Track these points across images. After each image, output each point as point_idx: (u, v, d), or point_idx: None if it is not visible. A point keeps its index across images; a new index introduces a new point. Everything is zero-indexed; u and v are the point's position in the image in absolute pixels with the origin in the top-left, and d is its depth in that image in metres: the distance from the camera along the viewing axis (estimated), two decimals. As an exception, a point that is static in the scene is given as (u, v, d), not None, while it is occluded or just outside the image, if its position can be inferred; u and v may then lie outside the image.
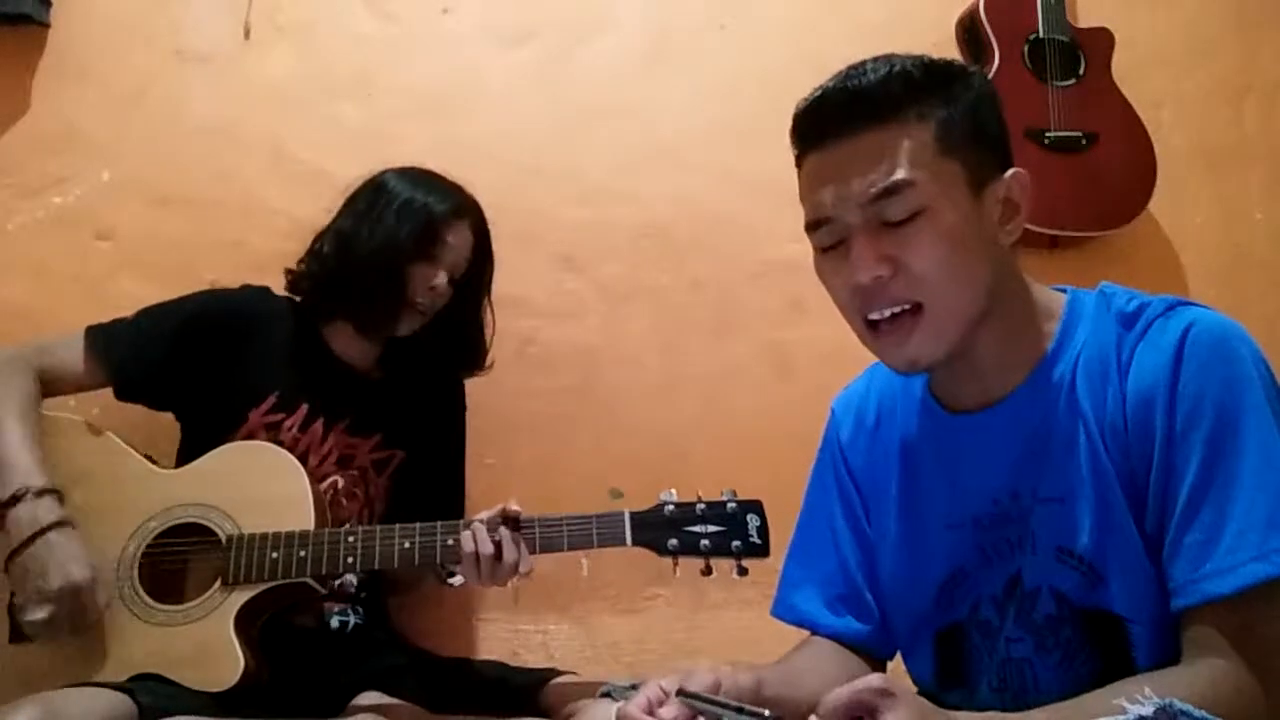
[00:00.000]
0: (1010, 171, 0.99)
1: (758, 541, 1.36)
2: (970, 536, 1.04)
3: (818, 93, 0.98)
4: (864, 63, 0.96)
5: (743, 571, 1.35)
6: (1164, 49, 2.18)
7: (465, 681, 1.55)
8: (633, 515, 1.38)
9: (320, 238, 1.63)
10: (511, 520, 1.37)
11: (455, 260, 1.61)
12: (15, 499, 1.34)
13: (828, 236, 0.98)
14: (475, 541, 1.34)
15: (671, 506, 1.38)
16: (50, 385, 1.52)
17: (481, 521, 1.36)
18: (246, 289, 1.67)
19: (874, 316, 0.97)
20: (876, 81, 0.94)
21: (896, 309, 0.96)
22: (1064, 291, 1.05)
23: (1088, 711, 0.82)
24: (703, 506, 1.38)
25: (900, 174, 0.93)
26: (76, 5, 1.93)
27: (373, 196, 1.60)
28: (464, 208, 1.62)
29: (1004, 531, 1.02)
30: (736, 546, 1.36)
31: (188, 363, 1.55)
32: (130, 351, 1.54)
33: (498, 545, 1.34)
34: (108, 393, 1.68)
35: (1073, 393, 0.98)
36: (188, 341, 1.55)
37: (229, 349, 1.57)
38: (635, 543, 1.37)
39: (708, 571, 1.36)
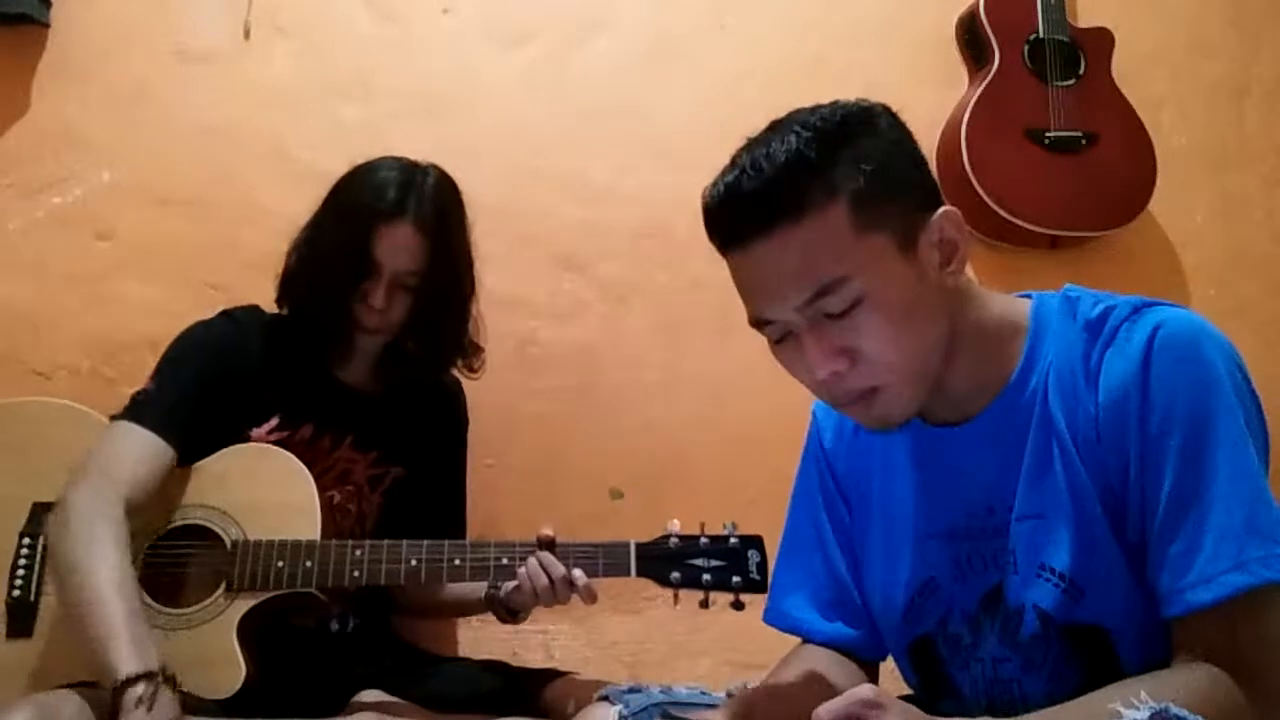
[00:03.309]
0: (939, 211, 0.95)
1: (757, 578, 1.40)
2: (945, 547, 1.04)
3: (720, 189, 0.93)
4: (759, 145, 0.92)
5: (739, 606, 1.40)
6: (1164, 49, 2.18)
7: (465, 681, 1.55)
8: (638, 546, 1.42)
9: (290, 250, 1.59)
10: (547, 543, 1.41)
11: (397, 267, 1.49)
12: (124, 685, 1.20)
13: (775, 332, 0.97)
14: (544, 572, 1.38)
15: (675, 539, 1.42)
16: (142, 497, 1.40)
17: (528, 551, 1.41)
18: (237, 312, 1.60)
19: (844, 403, 0.98)
20: (774, 174, 0.90)
21: (859, 395, 0.96)
22: (1028, 297, 1.04)
23: (1084, 715, 0.82)
24: (706, 540, 1.42)
25: (828, 272, 0.90)
26: (76, 5, 1.93)
27: (322, 207, 1.56)
28: (400, 208, 1.48)
29: (978, 545, 1.02)
30: (736, 582, 1.40)
31: (204, 404, 1.49)
32: (185, 421, 1.46)
33: (548, 570, 1.38)
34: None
35: (1045, 407, 0.97)
36: (204, 388, 1.49)
37: (223, 376, 1.51)
38: (639, 574, 1.41)
39: (705, 605, 1.41)
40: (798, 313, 0.93)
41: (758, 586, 1.39)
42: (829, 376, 0.94)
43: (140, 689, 1.17)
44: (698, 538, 1.42)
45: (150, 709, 1.16)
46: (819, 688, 1.06)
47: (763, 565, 1.40)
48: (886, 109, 0.98)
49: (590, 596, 1.40)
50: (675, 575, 1.40)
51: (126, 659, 1.19)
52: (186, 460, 1.48)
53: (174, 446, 1.44)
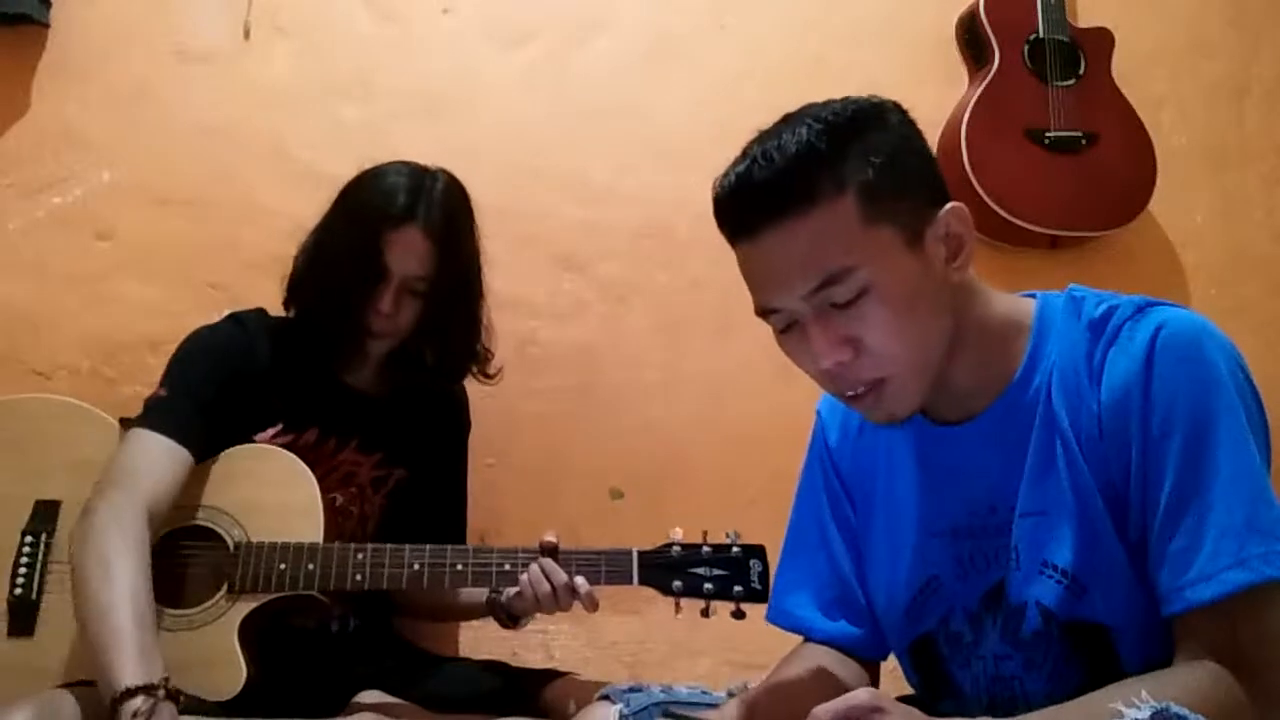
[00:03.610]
0: (946, 207, 0.96)
1: (758, 588, 1.40)
2: (948, 546, 1.05)
3: (731, 178, 0.95)
4: (770, 137, 0.93)
5: (739, 615, 1.40)
6: (1164, 49, 2.18)
7: (465, 681, 1.55)
8: (640, 555, 1.42)
9: (299, 254, 1.59)
10: (550, 550, 1.41)
11: (405, 273, 1.49)
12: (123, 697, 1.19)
13: (780, 321, 0.97)
14: (546, 579, 1.38)
15: (678, 548, 1.42)
16: (164, 508, 1.41)
17: (530, 557, 1.40)
18: (242, 316, 1.59)
19: (848, 393, 0.98)
20: (785, 164, 0.91)
21: (865, 386, 0.96)
22: (1033, 297, 1.04)
23: (1084, 715, 0.82)
24: (708, 549, 1.42)
25: (836, 262, 0.90)
26: (76, 5, 1.93)
27: (331, 211, 1.56)
28: (409, 214, 1.48)
29: (981, 543, 1.02)
30: (738, 591, 1.40)
31: (213, 408, 1.49)
32: (201, 425, 1.46)
33: (550, 577, 1.38)
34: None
35: (1049, 405, 0.98)
36: (214, 391, 1.48)
37: (233, 381, 1.50)
38: (641, 582, 1.41)
39: (706, 614, 1.41)
40: (804, 302, 0.93)
41: (759, 596, 1.39)
42: (833, 366, 0.94)
43: (139, 702, 1.15)
44: (700, 546, 1.42)
45: None
46: (821, 687, 1.06)
47: (764, 575, 1.40)
48: (897, 106, 0.99)
49: (592, 604, 1.40)
50: (677, 584, 1.40)
51: (129, 671, 1.18)
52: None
53: (192, 451, 1.43)
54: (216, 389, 1.48)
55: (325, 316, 1.53)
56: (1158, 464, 0.91)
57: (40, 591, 1.42)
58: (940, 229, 0.95)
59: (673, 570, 1.41)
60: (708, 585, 1.40)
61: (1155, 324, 0.93)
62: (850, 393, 0.97)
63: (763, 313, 0.98)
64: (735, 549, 1.42)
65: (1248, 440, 0.90)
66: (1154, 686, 0.80)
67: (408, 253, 1.48)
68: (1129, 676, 0.89)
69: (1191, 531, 0.88)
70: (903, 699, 1.11)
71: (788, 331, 0.97)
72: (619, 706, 1.05)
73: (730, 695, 1.07)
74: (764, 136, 0.95)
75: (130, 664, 1.19)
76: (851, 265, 0.91)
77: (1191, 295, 2.12)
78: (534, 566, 1.39)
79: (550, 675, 1.51)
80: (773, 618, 1.21)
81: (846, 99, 0.97)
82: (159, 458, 1.40)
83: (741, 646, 1.81)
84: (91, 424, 1.51)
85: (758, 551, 1.42)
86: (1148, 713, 0.76)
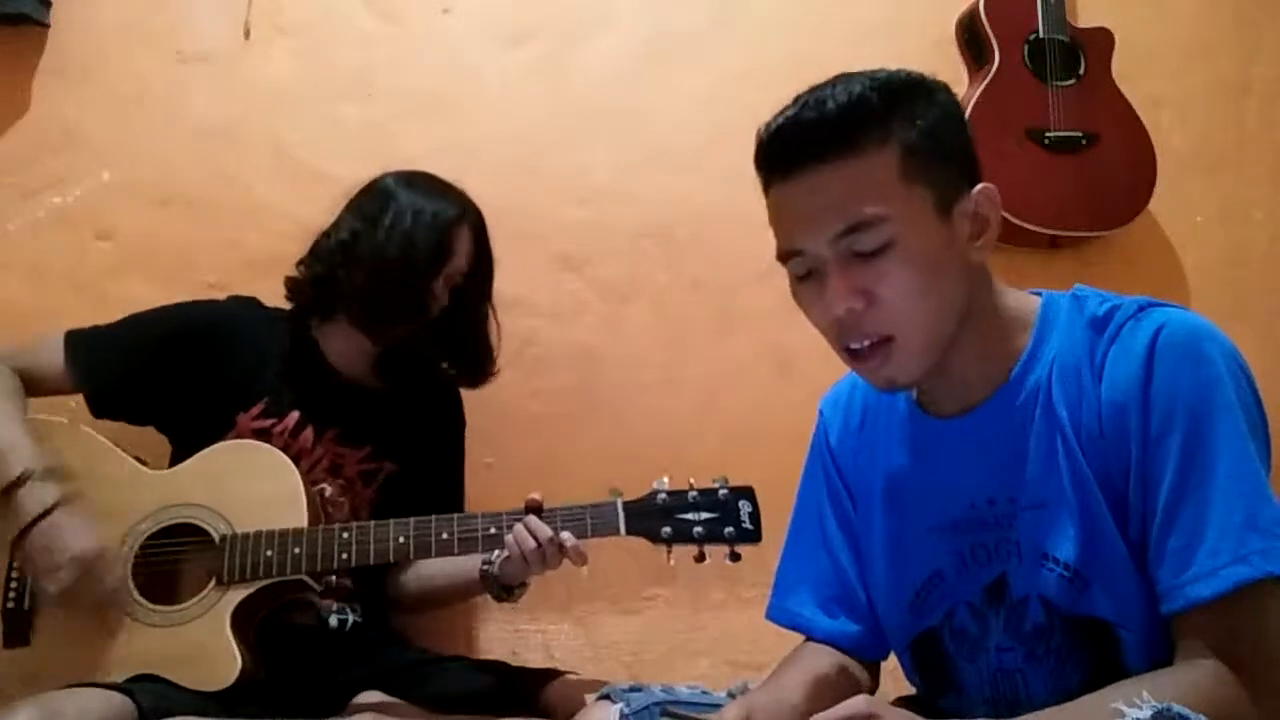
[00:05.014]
0: (979, 187, 0.98)
1: (750, 527, 1.37)
2: (949, 540, 1.05)
3: (779, 120, 0.97)
4: (823, 87, 0.96)
5: (735, 557, 1.36)
6: (1164, 49, 2.18)
7: (465, 681, 1.55)
8: (626, 504, 1.40)
9: (322, 240, 1.62)
10: (534, 508, 1.40)
11: (458, 265, 1.59)
12: (20, 481, 1.38)
13: (801, 266, 0.98)
14: (531, 537, 1.37)
15: (664, 495, 1.40)
16: (28, 387, 1.53)
17: (515, 518, 1.39)
18: (232, 299, 1.66)
19: (853, 345, 0.98)
20: (835, 110, 0.93)
21: (871, 340, 0.96)
22: (1039, 295, 1.05)
23: (1085, 715, 0.82)
24: (695, 494, 1.39)
25: (868, 209, 0.92)
26: (76, 5, 1.93)
27: (381, 202, 1.58)
28: (466, 212, 1.60)
29: (981, 536, 1.02)
30: (729, 533, 1.37)
31: (170, 374, 1.55)
32: (109, 363, 1.54)
33: (535, 534, 1.37)
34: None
35: (1049, 400, 0.98)
36: (170, 353, 1.55)
37: (214, 357, 1.56)
38: (629, 532, 1.39)
39: (701, 558, 1.37)
40: (829, 246, 0.94)
41: (751, 536, 1.36)
42: (845, 314, 0.95)
43: (33, 481, 1.37)
44: (686, 491, 1.39)
45: None
46: (821, 688, 1.06)
47: (755, 515, 1.37)
48: (945, 85, 1.01)
49: (580, 558, 1.38)
50: (666, 530, 1.37)
51: (25, 458, 1.38)
52: (180, 447, 1.54)
53: (78, 379, 1.54)
54: (159, 356, 1.55)
55: (396, 294, 1.55)
56: (1157, 462, 0.91)
57: (34, 602, 1.43)
58: (970, 206, 0.97)
59: (660, 517, 1.37)
60: (698, 529, 1.37)
61: (1156, 324, 0.94)
62: (855, 345, 0.97)
63: (785, 256, 0.99)
64: (723, 491, 1.39)
65: (1246, 439, 0.90)
66: (1155, 686, 0.80)
67: (464, 246, 1.58)
68: (1131, 672, 0.89)
69: (1191, 529, 0.88)
70: (903, 699, 1.11)
71: (805, 280, 0.99)
72: (619, 706, 1.05)
73: (730, 695, 1.07)
74: (816, 88, 0.97)
75: (24, 449, 1.39)
76: (882, 215, 0.92)
77: (1191, 295, 2.12)
78: (518, 526, 1.38)
79: (550, 675, 1.51)
80: (773, 616, 1.21)
81: (900, 68, 0.99)
82: (53, 354, 1.54)
83: (741, 646, 1.81)
84: (78, 438, 1.51)
85: (746, 492, 1.39)
86: (1149, 713, 0.76)
